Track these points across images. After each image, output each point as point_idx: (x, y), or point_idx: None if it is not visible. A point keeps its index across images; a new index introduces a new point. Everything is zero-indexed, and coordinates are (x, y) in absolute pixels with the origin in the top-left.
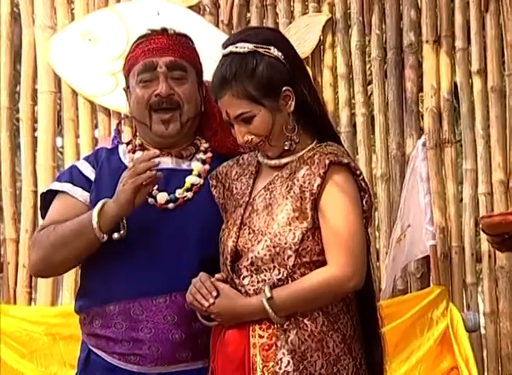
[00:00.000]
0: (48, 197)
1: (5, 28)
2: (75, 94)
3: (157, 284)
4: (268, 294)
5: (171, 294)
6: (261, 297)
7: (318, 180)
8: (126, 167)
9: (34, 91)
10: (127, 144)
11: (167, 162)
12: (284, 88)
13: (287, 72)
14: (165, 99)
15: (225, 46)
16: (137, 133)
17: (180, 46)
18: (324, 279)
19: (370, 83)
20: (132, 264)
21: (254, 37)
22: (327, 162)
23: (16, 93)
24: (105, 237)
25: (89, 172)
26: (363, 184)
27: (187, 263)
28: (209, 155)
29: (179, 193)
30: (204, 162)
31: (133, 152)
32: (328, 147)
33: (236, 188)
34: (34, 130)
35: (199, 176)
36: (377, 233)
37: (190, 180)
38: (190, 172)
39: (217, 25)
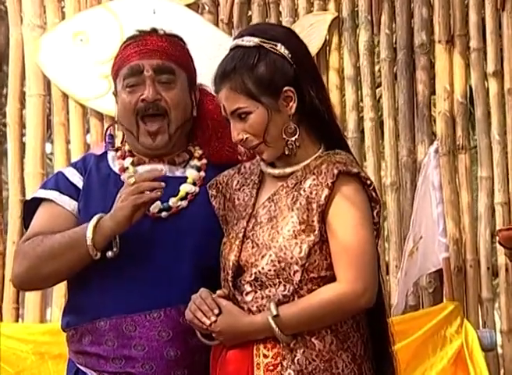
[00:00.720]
0: (33, 205)
1: None
2: (65, 97)
3: (150, 298)
4: (274, 312)
5: (165, 309)
6: (266, 314)
7: (326, 191)
8: (115, 174)
9: (22, 94)
10: (116, 150)
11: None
12: (285, 88)
13: (292, 72)
14: (151, 105)
15: (233, 40)
16: (126, 140)
17: (170, 48)
18: (333, 295)
19: (379, 85)
20: (123, 277)
21: (262, 32)
22: (335, 171)
23: (3, 96)
24: (99, 254)
25: (77, 179)
26: (374, 195)
27: (182, 276)
28: (204, 161)
29: (173, 202)
30: (198, 169)
31: (123, 159)
32: (336, 155)
33: (239, 199)
34: (22, 135)
35: (194, 184)
36: (386, 245)
37: (185, 188)
38: (184, 179)
39: (216, 24)
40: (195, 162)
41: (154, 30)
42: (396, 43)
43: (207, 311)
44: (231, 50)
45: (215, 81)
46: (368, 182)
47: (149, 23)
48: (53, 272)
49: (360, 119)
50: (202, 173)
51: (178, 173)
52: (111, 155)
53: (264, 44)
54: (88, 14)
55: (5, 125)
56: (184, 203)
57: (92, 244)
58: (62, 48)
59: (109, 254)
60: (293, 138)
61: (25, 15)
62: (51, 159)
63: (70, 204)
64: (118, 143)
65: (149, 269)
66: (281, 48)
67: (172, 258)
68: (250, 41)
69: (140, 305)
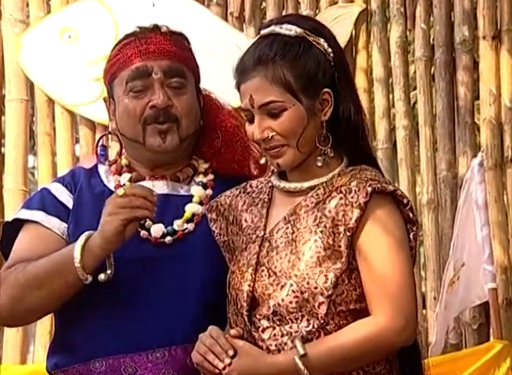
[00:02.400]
0: (12, 228)
1: None
2: (51, 102)
3: (152, 336)
4: (302, 351)
5: (170, 348)
6: (291, 354)
7: (357, 212)
8: (110, 192)
9: (1, 99)
10: (110, 164)
11: (161, 187)
12: (325, 90)
13: (332, 73)
14: (161, 112)
15: (264, 28)
16: (123, 152)
17: (178, 47)
18: (370, 332)
19: (414, 88)
20: (121, 311)
21: (304, 22)
22: (369, 189)
23: None
24: (90, 278)
25: (66, 197)
26: (411, 215)
27: (189, 311)
28: (210, 177)
29: (178, 225)
30: (205, 186)
31: (119, 174)
32: (366, 171)
33: (246, 221)
34: (1, 146)
35: (201, 203)
36: (423, 274)
37: (191, 208)
38: (189, 198)
39: (225, 18)
40: (200, 179)
41: (156, 27)
42: (433, 39)
43: (220, 353)
44: (265, 37)
45: (243, 69)
46: (405, 201)
47: (147, 17)
48: (39, 303)
49: (392, 128)
50: (209, 191)
51: (182, 191)
52: (103, 169)
53: (309, 37)
54: (78, 7)
55: None
56: (191, 226)
57: (81, 266)
58: (48, 47)
59: (102, 277)
60: (327, 147)
61: (4, 8)
62: (34, 174)
63: (60, 226)
64: (112, 155)
65: (151, 302)
66: (324, 44)
67: (177, 289)
68: (291, 29)
69: (141, 344)
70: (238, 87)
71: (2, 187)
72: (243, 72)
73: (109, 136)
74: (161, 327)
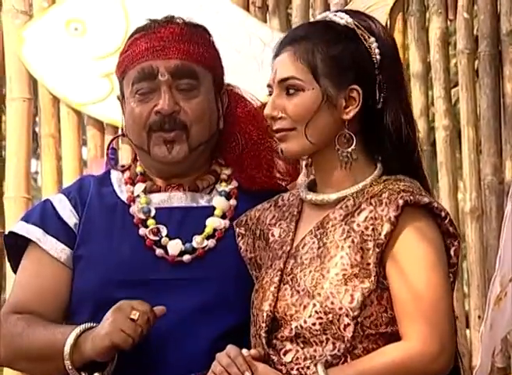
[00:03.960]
0: (15, 240)
1: None
2: (56, 101)
3: (169, 364)
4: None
5: None
6: (318, 366)
7: (387, 227)
8: (123, 204)
9: (2, 98)
10: (123, 171)
11: (179, 198)
12: (353, 86)
13: (371, 74)
14: (167, 118)
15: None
16: (138, 158)
17: (191, 42)
18: (403, 357)
19: (455, 85)
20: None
21: (361, 18)
22: (400, 202)
23: None
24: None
25: (68, 214)
26: (450, 229)
27: (208, 336)
28: (234, 185)
29: (197, 241)
30: (228, 196)
31: (132, 184)
32: (400, 182)
33: (274, 235)
34: (1, 149)
35: (223, 216)
36: (466, 290)
37: (213, 223)
38: (210, 210)
39: (247, 8)
40: (223, 187)
41: (171, 19)
42: (477, 30)
43: (236, 374)
44: (315, 22)
45: (280, 45)
46: (443, 214)
47: (162, 7)
48: (30, 372)
49: (431, 129)
50: (233, 202)
51: (203, 202)
52: (116, 176)
53: (358, 30)
54: None
55: None
56: (211, 243)
57: (71, 363)
58: (52, 40)
59: None
60: (349, 149)
61: None
62: (37, 180)
63: (56, 248)
64: (123, 158)
65: (167, 326)
66: (372, 44)
67: (197, 313)
68: (342, 18)
69: (158, 372)
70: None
71: (3, 194)
72: (278, 47)
73: (119, 139)
74: (178, 354)
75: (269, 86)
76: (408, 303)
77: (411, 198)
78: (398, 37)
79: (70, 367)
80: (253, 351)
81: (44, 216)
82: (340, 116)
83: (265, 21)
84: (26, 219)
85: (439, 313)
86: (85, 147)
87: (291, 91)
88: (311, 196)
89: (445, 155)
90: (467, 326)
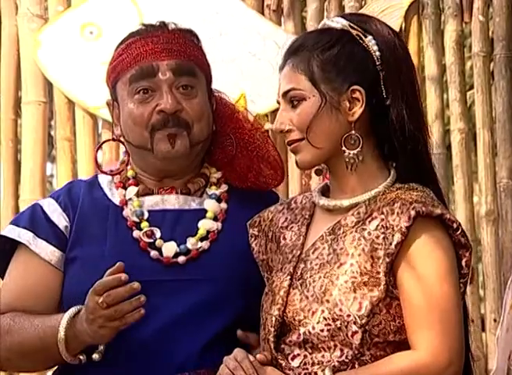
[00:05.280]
0: (5, 245)
1: None
2: (71, 105)
3: (163, 363)
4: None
5: None
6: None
7: (398, 237)
8: (115, 207)
9: (17, 102)
10: (113, 174)
11: (171, 202)
12: (354, 87)
13: (373, 73)
14: (170, 117)
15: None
16: (130, 162)
17: (187, 45)
18: (410, 367)
19: (470, 87)
20: (128, 337)
21: (356, 20)
22: (412, 213)
23: None
24: (81, 357)
25: (58, 217)
26: (462, 240)
27: (203, 336)
28: (224, 188)
29: (191, 243)
30: (218, 199)
31: (124, 188)
32: (412, 191)
33: (285, 239)
34: (17, 152)
35: (215, 219)
36: (481, 293)
37: (205, 224)
38: (202, 213)
39: (262, 12)
40: (213, 191)
41: (163, 25)
42: (492, 33)
43: None
44: (314, 30)
45: (283, 58)
46: (455, 225)
47: (176, 12)
48: (28, 366)
49: (447, 132)
50: (224, 205)
51: (194, 205)
52: (105, 180)
53: (352, 31)
54: (100, 1)
55: None
56: (205, 244)
57: (66, 350)
58: (68, 44)
59: (96, 357)
60: (355, 151)
61: (21, 2)
62: (52, 183)
63: (47, 251)
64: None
65: (162, 327)
66: (370, 41)
67: (192, 313)
68: (338, 22)
69: (151, 371)
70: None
71: (18, 197)
72: (282, 61)
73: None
74: (172, 354)
75: (278, 102)
76: (418, 313)
77: (423, 209)
78: (413, 39)
79: (66, 353)
80: (259, 356)
81: (33, 219)
82: (347, 119)
83: (280, 24)
84: (16, 222)
85: (449, 325)
86: (100, 150)
87: (295, 102)
88: (323, 201)
89: (460, 159)
90: (483, 329)
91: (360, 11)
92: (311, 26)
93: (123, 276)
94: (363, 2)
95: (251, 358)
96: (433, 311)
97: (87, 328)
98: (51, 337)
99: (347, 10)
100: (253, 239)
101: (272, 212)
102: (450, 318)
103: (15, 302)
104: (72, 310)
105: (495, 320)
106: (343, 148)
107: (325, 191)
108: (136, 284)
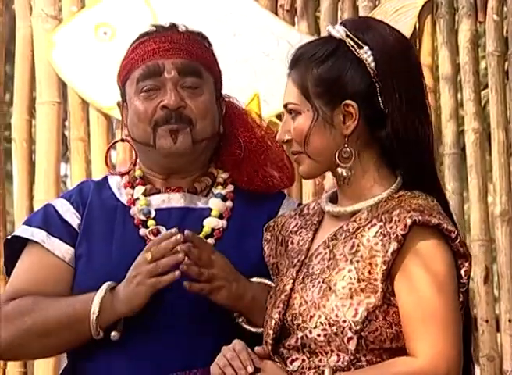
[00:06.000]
0: (14, 245)
1: None
2: (85, 105)
3: (171, 360)
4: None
5: (190, 372)
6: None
7: (394, 245)
8: (123, 206)
9: (31, 102)
10: (122, 175)
11: (178, 200)
12: (346, 102)
13: (366, 84)
14: (173, 113)
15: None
16: (138, 163)
17: (195, 46)
18: (407, 372)
19: (485, 87)
20: (139, 335)
21: (356, 26)
22: (408, 222)
23: (7, 104)
24: (102, 334)
25: (71, 216)
26: (461, 250)
27: (210, 333)
28: (230, 188)
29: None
30: (224, 198)
31: (132, 187)
32: (412, 199)
33: (292, 243)
34: (31, 153)
35: (220, 217)
36: (496, 293)
37: (210, 222)
38: (207, 212)
39: (275, 12)
40: (219, 190)
41: (173, 26)
42: (507, 32)
43: (239, 368)
44: (315, 39)
45: (288, 66)
46: (453, 235)
47: (190, 12)
48: (43, 350)
49: (461, 132)
50: (229, 203)
51: (200, 204)
52: (114, 180)
53: (347, 40)
54: (114, 1)
55: (9, 141)
56: (210, 241)
57: (96, 324)
58: (82, 44)
59: (114, 335)
60: (348, 165)
61: (35, 3)
62: (66, 183)
63: (61, 248)
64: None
65: (171, 325)
66: (364, 54)
67: (199, 310)
68: (338, 31)
69: (159, 368)
70: None
71: (33, 197)
72: (288, 69)
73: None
74: (181, 350)
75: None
76: (415, 323)
77: (420, 218)
78: (427, 39)
79: (95, 323)
80: (257, 349)
81: (46, 219)
82: (341, 132)
83: (294, 24)
84: (29, 223)
85: (445, 333)
86: (114, 150)
87: (292, 115)
88: (329, 207)
89: (474, 158)
90: (498, 329)
91: (374, 11)
92: (324, 26)
93: (178, 235)
94: (377, 2)
95: (250, 350)
96: (430, 321)
97: (123, 292)
98: (81, 310)
99: (361, 10)
100: (265, 242)
101: (285, 217)
102: (448, 327)
103: (25, 288)
104: (108, 283)
105: (510, 321)
106: (337, 161)
107: (333, 198)
108: (179, 235)
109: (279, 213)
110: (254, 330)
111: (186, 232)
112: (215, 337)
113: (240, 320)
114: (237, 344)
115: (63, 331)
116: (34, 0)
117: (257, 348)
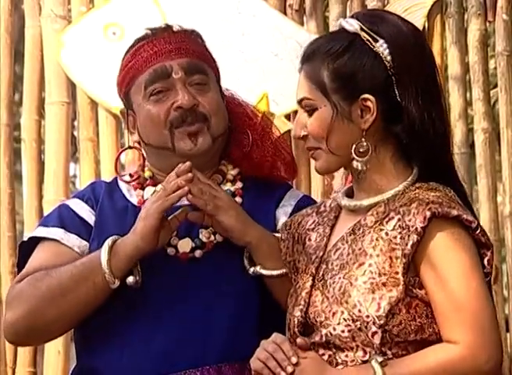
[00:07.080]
0: (29, 248)
1: (2, 19)
2: (94, 105)
3: (183, 357)
4: (380, 373)
5: (202, 369)
6: (366, 371)
7: (413, 238)
8: (133, 207)
9: (41, 102)
10: (132, 181)
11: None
12: (363, 96)
13: (384, 78)
14: (188, 112)
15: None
16: (146, 165)
17: (194, 45)
18: (447, 360)
19: (494, 86)
20: (150, 333)
21: (371, 19)
22: (428, 214)
23: (16, 104)
24: (117, 282)
25: (86, 213)
26: (483, 239)
27: (223, 328)
28: (239, 185)
29: (205, 236)
30: (233, 194)
31: (142, 189)
32: (430, 192)
33: (310, 240)
34: (40, 153)
35: None
36: (506, 294)
37: None
38: None
39: (284, 11)
40: (228, 187)
41: (167, 27)
42: None
43: (283, 359)
44: (327, 34)
45: (300, 62)
46: (473, 225)
47: (198, 12)
48: (62, 313)
49: (470, 131)
50: (238, 199)
51: None
52: (124, 183)
53: (363, 34)
54: (123, 1)
55: (19, 141)
56: (219, 237)
57: (109, 268)
58: (91, 45)
59: (130, 280)
60: (364, 159)
61: (44, 3)
62: (75, 183)
63: (80, 245)
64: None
65: (182, 321)
66: (380, 47)
67: (210, 305)
68: (351, 25)
69: (171, 365)
70: None
71: (42, 197)
72: (299, 65)
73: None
74: (193, 347)
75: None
76: (451, 313)
77: (439, 210)
78: (436, 39)
79: (106, 267)
80: (299, 340)
81: (62, 218)
82: (359, 126)
83: (302, 24)
84: (45, 223)
85: (483, 319)
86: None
87: (309, 111)
88: (345, 202)
89: (484, 158)
90: (508, 330)
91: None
92: (333, 25)
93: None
94: (385, 1)
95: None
96: (466, 309)
97: (134, 227)
98: (93, 261)
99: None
100: (282, 242)
101: (301, 215)
102: (484, 315)
103: (41, 266)
104: (114, 236)
105: None
106: (354, 155)
107: (350, 193)
108: (188, 163)
109: (281, 203)
110: (275, 273)
111: (193, 170)
112: (228, 334)
113: (258, 268)
114: (278, 336)
115: (79, 287)
116: (43, 0)
117: (298, 340)
